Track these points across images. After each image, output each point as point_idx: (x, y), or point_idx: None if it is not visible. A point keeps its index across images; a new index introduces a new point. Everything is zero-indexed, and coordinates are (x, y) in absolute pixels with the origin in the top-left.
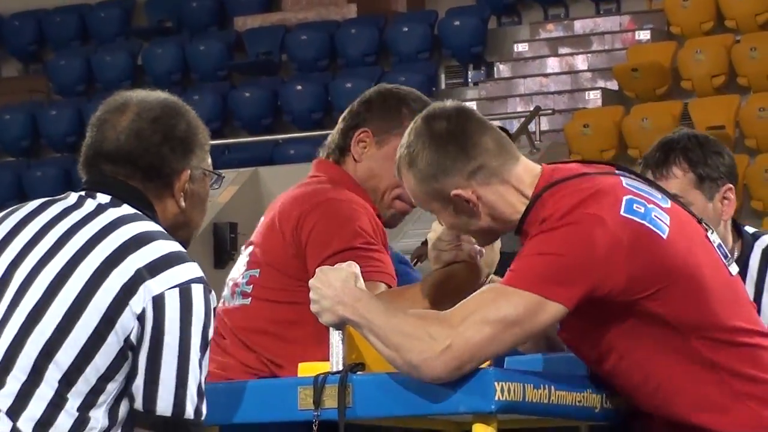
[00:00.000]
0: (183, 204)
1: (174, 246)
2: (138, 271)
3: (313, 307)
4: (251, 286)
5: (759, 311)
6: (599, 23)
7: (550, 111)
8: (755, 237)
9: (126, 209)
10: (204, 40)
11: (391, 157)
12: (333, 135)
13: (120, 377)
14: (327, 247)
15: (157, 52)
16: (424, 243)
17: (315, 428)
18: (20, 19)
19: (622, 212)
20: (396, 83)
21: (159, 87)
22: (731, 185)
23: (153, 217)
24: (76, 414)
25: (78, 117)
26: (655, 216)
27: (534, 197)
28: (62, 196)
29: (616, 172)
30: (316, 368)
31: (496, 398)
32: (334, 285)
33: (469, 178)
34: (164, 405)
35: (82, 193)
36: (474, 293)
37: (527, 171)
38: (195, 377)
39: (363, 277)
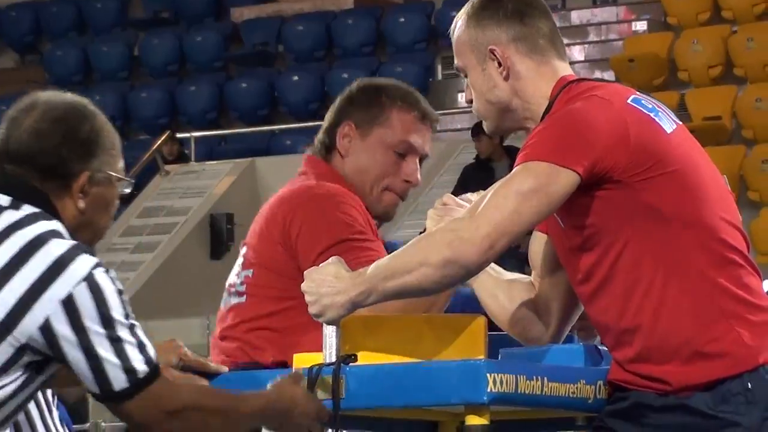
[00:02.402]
0: (82, 205)
1: (65, 245)
2: (35, 282)
3: (313, 309)
4: (245, 285)
5: None
6: (596, 14)
7: None
8: None
9: (24, 211)
10: (201, 31)
11: (377, 147)
12: (319, 133)
13: (17, 370)
14: (317, 244)
15: (154, 42)
16: (422, 233)
17: None
18: (17, 10)
19: (628, 101)
20: (393, 73)
21: (155, 78)
22: None
23: (55, 217)
24: None
25: None
26: (661, 115)
27: (556, 94)
28: None
29: None
30: (310, 359)
31: (489, 390)
32: (326, 280)
33: (512, 41)
34: (118, 381)
35: None
36: None
37: (563, 68)
38: (132, 344)
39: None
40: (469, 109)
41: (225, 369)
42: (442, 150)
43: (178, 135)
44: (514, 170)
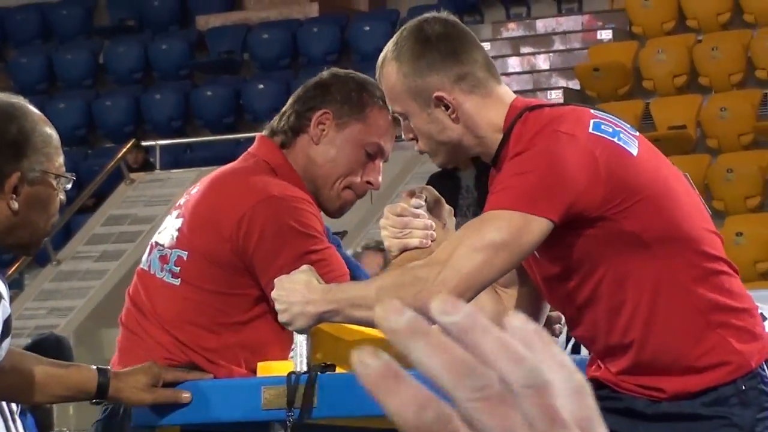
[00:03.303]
0: (15, 206)
1: None
2: None
3: (283, 317)
4: (179, 267)
5: None
6: (561, 22)
7: None
8: None
9: None
10: (166, 39)
11: (350, 142)
12: (283, 115)
13: None
14: (277, 257)
15: (119, 50)
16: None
17: (289, 428)
18: None
19: (590, 130)
20: None
21: (120, 85)
22: None
23: None
24: None
25: None
26: (624, 137)
27: (510, 125)
28: None
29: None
30: (275, 368)
31: None
32: (298, 289)
33: (455, 82)
34: None
35: None
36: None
37: (507, 94)
38: None
39: None
40: None
41: (209, 376)
42: (408, 158)
43: (143, 143)
44: (485, 216)
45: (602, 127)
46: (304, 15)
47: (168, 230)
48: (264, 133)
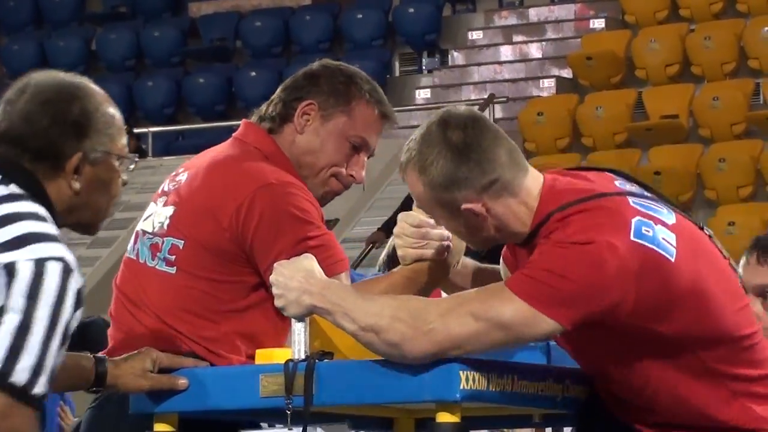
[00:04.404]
0: (77, 186)
1: (40, 227)
2: None
3: (279, 302)
4: (174, 256)
5: None
6: (554, 11)
7: (504, 99)
8: None
9: (10, 189)
10: (158, 26)
11: (334, 133)
12: (271, 103)
13: None
14: (276, 242)
15: (111, 37)
16: (380, 229)
17: (288, 415)
18: None
19: (632, 237)
20: None
21: (113, 72)
22: None
23: (42, 198)
24: None
25: None
26: (663, 238)
27: (544, 218)
28: None
29: (616, 183)
30: (274, 355)
31: (461, 387)
32: (297, 277)
33: (482, 191)
34: None
35: None
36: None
37: (535, 183)
38: (34, 352)
39: (324, 272)
40: (426, 106)
41: (205, 364)
42: (399, 146)
43: (136, 130)
44: (501, 290)
45: (643, 230)
46: (297, 3)
47: (155, 218)
48: (252, 119)
